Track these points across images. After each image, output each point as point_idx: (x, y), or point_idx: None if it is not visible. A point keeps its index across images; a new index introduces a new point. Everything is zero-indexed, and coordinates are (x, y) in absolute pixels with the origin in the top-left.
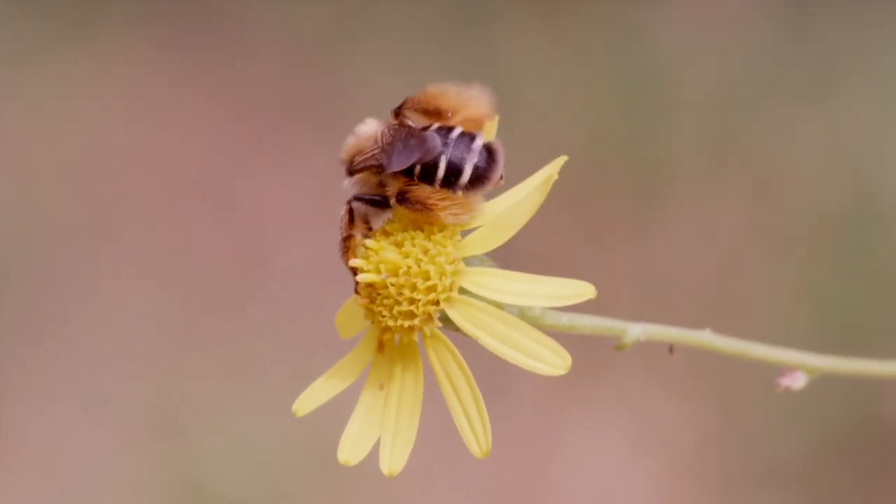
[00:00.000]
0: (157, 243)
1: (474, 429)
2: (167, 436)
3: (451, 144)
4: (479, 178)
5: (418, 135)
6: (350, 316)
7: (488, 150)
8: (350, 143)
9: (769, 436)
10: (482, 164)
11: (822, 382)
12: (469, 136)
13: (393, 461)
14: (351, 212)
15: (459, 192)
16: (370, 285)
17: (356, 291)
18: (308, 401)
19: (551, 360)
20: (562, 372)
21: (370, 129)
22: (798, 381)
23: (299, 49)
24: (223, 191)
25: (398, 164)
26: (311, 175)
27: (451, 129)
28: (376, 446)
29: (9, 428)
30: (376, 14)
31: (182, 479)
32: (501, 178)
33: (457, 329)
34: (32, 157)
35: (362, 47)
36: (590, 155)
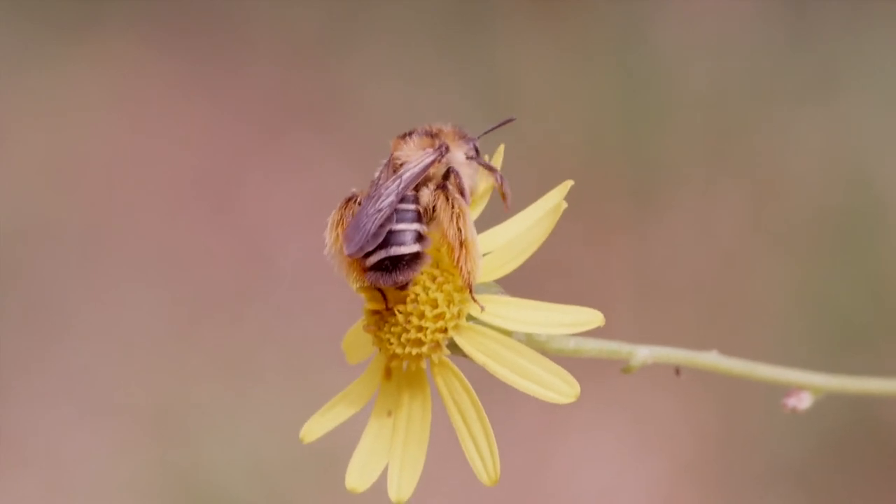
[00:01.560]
0: (157, 244)
1: (483, 457)
2: (167, 437)
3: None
4: (380, 274)
5: (377, 233)
6: (357, 340)
7: (411, 259)
8: (399, 140)
9: (770, 436)
10: (387, 266)
11: None
12: (415, 228)
13: (401, 488)
14: None
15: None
16: (377, 312)
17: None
18: (315, 427)
19: (560, 388)
20: (571, 400)
21: (412, 145)
22: (804, 402)
23: (299, 50)
24: (223, 191)
25: (348, 249)
26: (311, 176)
27: (418, 217)
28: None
29: (10, 431)
30: (376, 15)
31: (182, 480)
32: (405, 286)
33: (465, 355)
34: (32, 157)
35: (362, 49)
36: (590, 155)
